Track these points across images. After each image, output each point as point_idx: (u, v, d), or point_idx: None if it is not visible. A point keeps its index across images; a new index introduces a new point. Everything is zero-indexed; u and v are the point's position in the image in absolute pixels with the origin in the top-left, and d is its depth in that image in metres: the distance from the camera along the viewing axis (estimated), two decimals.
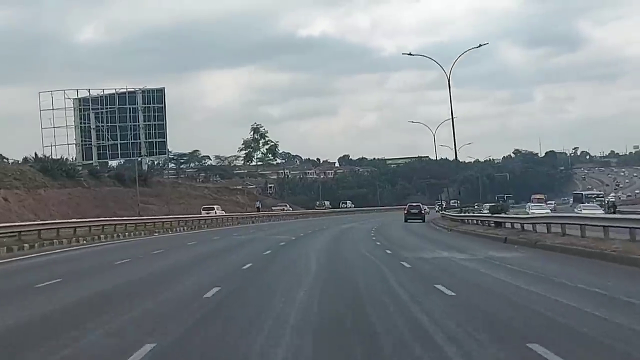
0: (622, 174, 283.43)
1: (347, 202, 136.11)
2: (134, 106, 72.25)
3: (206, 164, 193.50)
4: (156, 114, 71.50)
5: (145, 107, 71.84)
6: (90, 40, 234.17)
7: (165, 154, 74.82)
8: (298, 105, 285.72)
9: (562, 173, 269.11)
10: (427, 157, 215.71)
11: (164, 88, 72.95)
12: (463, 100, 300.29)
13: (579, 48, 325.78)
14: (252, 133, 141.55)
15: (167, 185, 72.11)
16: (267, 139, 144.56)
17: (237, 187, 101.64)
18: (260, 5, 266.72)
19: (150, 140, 71.96)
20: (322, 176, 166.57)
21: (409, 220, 66.50)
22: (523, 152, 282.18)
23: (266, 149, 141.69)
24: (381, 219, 70.55)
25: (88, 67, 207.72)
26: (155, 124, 71.92)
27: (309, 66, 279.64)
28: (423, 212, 73.91)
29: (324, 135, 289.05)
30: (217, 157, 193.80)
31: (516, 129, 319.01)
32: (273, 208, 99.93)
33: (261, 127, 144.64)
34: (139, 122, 72.41)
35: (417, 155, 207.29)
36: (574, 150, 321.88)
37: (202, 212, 71.01)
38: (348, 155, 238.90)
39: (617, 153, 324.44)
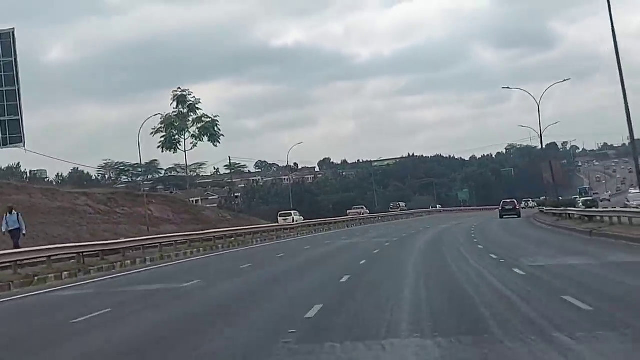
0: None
1: (437, 205, 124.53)
2: None
3: (166, 175, 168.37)
4: (2, 73, 42.33)
5: None
6: (59, 60, 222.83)
7: (21, 141, 43.01)
8: (275, 117, 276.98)
9: (566, 166, 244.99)
10: (422, 155, 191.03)
11: (12, 30, 43.57)
12: (440, 103, 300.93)
13: (553, 47, 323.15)
14: (174, 104, 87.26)
15: None
16: (200, 113, 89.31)
17: (170, 193, 74.26)
18: (231, 18, 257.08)
19: None
20: (299, 181, 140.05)
21: (504, 216, 71.24)
22: (518, 146, 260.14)
23: (198, 129, 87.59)
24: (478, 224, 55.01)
25: (59, 87, 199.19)
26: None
27: (284, 77, 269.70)
28: (517, 208, 77.13)
29: (304, 144, 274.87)
30: (177, 165, 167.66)
31: (494, 130, 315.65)
32: (348, 212, 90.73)
33: (189, 94, 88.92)
34: None
35: (407, 154, 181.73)
36: (562, 145, 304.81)
37: (279, 219, 65.84)
38: (329, 159, 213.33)
39: (612, 145, 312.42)
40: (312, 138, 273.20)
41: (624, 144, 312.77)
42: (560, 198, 70.21)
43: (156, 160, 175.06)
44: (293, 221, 64.31)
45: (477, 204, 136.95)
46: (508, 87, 62.78)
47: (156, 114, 79.14)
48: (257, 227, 51.58)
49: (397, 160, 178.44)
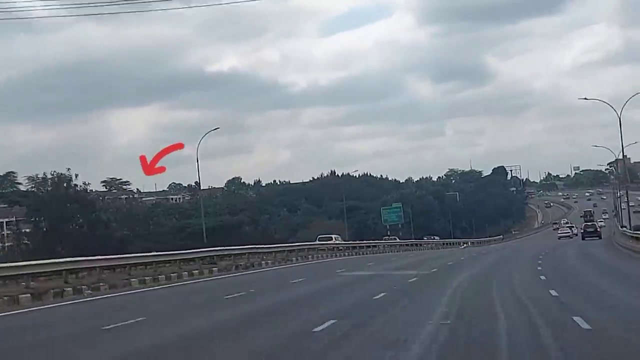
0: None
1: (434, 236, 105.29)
2: None
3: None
4: None
5: None
6: None
7: None
8: (210, 143, 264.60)
9: (516, 195, 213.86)
10: (346, 173, 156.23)
11: None
12: (376, 135, 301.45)
13: (487, 82, 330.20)
14: None
15: None
16: None
17: None
18: (165, 41, 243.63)
19: None
20: (182, 201, 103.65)
21: (586, 238, 71.27)
22: (459, 171, 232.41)
23: None
24: None
25: None
26: None
27: (219, 103, 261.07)
28: (598, 230, 76.65)
29: (239, 173, 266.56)
30: (30, 178, 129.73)
31: (429, 163, 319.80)
32: (384, 237, 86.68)
33: None
34: None
35: (330, 171, 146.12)
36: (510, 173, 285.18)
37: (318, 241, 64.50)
38: (239, 178, 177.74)
39: (558, 175, 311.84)
40: (247, 166, 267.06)
41: (568, 175, 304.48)
42: None
43: (13, 173, 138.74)
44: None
45: (409, 235, 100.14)
46: (585, 98, 64.35)
47: None
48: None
49: (315, 179, 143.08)
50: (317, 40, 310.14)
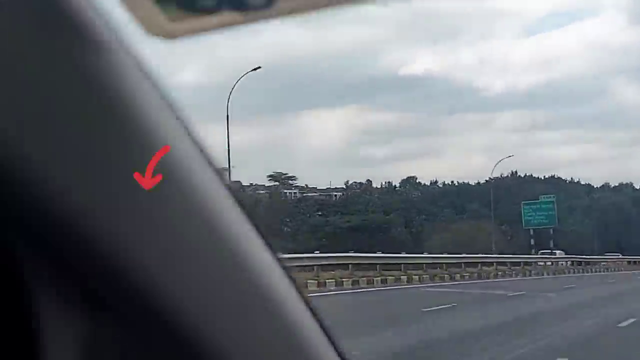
0: None
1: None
2: None
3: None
4: None
5: None
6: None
7: None
8: (402, 146, 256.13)
9: None
10: (530, 175, 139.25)
11: None
12: (577, 141, 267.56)
13: None
14: None
15: None
16: None
17: None
18: (359, 44, 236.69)
19: None
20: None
21: None
22: None
23: None
24: None
25: None
26: None
27: (413, 105, 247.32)
28: None
29: (428, 176, 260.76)
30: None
31: (637, 172, 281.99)
32: (541, 252, 69.71)
33: None
34: None
35: (510, 171, 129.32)
36: None
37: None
38: (414, 178, 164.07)
39: None
40: (437, 170, 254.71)
41: None
42: None
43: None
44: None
45: (582, 251, 78.05)
46: None
47: None
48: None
49: (490, 179, 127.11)
50: (516, 42, 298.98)
